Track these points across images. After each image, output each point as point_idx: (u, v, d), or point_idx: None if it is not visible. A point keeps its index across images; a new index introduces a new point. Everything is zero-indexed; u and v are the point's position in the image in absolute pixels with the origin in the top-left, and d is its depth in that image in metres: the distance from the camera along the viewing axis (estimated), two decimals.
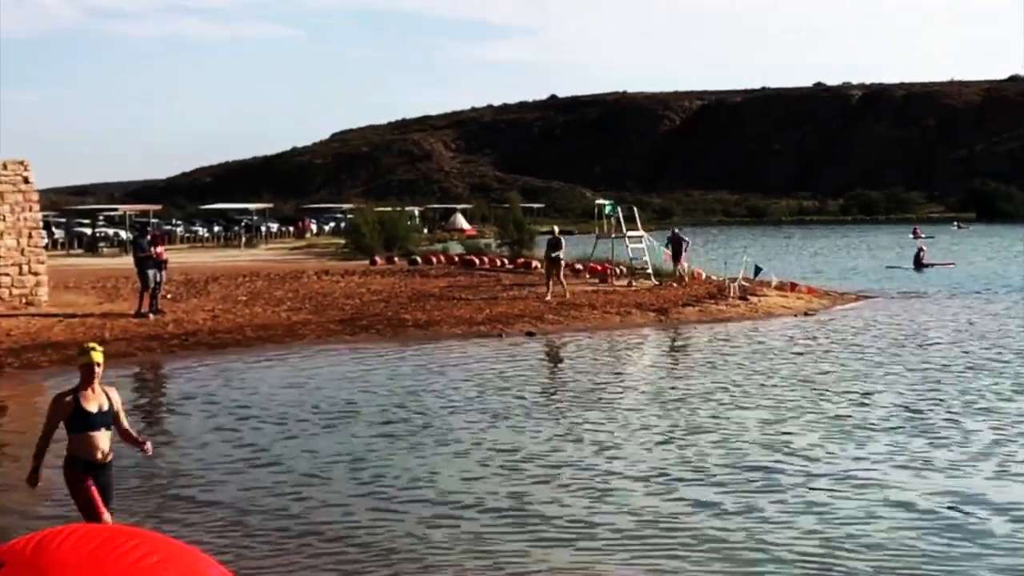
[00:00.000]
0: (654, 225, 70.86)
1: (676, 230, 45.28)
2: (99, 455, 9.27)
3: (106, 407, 9.26)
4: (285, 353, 25.49)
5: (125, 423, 9.62)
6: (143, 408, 19.80)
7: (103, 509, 9.16)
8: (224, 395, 20.25)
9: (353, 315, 30.97)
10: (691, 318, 32.17)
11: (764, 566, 10.47)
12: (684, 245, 42.35)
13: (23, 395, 21.03)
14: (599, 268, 42.18)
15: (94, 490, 9.15)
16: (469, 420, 17.65)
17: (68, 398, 9.19)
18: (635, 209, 46.84)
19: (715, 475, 13.86)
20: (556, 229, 38.50)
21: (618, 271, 41.35)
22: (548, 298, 34.04)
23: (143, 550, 4.05)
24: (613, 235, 42.89)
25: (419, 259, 50.71)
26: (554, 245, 35.53)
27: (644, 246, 41.85)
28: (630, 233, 42.13)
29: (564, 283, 35.40)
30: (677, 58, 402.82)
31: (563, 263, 36.03)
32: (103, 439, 9.30)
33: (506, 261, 48.57)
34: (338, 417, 18.10)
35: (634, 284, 39.20)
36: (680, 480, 13.64)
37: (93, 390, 9.24)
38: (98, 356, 9.32)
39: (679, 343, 27.90)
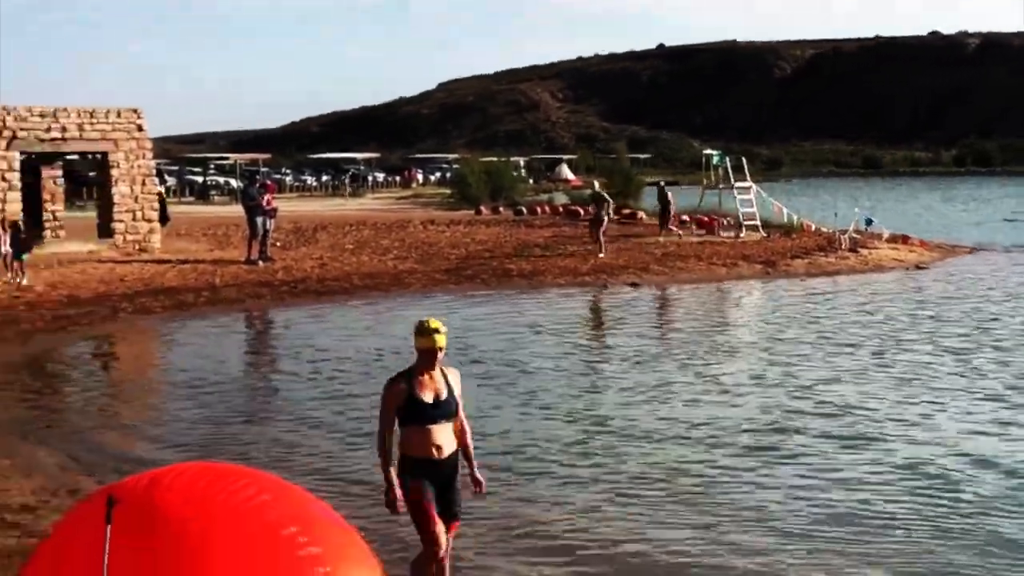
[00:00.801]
0: (762, 176, 69.83)
1: (662, 183, 42.71)
2: (436, 452, 7.57)
3: (444, 395, 7.56)
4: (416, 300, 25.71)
5: (463, 418, 7.77)
6: (258, 352, 20.15)
7: (440, 540, 7.56)
8: (358, 343, 20.47)
9: (458, 264, 31.10)
10: (799, 270, 31.71)
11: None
12: (670, 201, 38.64)
13: (136, 339, 21.48)
14: (706, 219, 41.76)
15: (432, 511, 7.51)
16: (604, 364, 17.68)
17: (401, 384, 7.49)
18: (743, 160, 46.25)
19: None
20: (597, 184, 37.31)
21: (725, 222, 40.89)
22: (601, 255, 32.45)
23: (253, 489, 4.09)
24: (721, 186, 42.41)
25: (524, 209, 50.70)
26: (598, 202, 34.13)
27: (752, 197, 41.31)
28: (738, 184, 41.61)
29: (603, 243, 33.46)
30: (789, 6, 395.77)
31: (606, 221, 34.06)
32: (441, 433, 7.57)
33: (612, 212, 48.25)
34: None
35: (741, 235, 38.75)
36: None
37: (431, 375, 7.53)
38: (441, 340, 7.45)
39: (787, 297, 27.50)
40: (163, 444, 13.34)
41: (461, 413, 7.70)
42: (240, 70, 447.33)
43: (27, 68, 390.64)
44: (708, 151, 48.20)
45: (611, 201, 35.19)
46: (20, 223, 26.15)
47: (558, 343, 20.21)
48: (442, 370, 7.55)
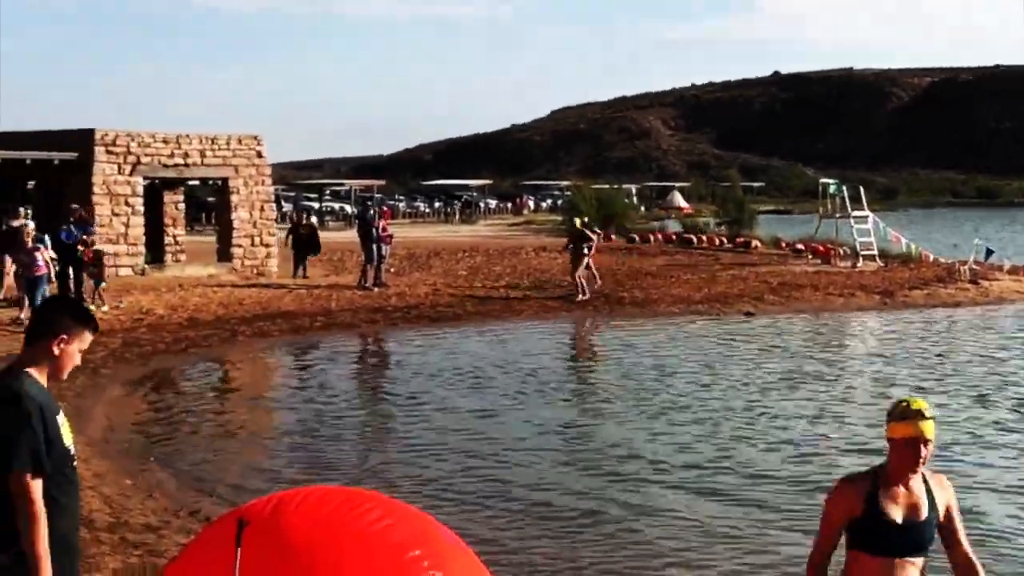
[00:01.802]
0: (879, 205, 68.80)
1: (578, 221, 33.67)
2: None
3: (923, 514, 5.09)
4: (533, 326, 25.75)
5: (964, 542, 5.23)
6: (372, 378, 20.35)
7: None
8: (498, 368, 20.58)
9: (571, 292, 31.04)
10: (918, 301, 31.09)
11: None
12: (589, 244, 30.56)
13: (254, 362, 21.80)
14: (822, 249, 41.23)
15: None
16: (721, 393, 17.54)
17: (858, 489, 5.11)
18: (860, 188, 45.61)
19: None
20: (578, 221, 32.14)
21: (841, 252, 40.33)
22: (583, 297, 29.38)
23: (377, 512, 4.11)
24: (837, 215, 41.86)
25: (636, 237, 50.53)
26: (579, 239, 30.05)
27: (870, 227, 40.69)
28: (855, 213, 41.03)
29: (580, 281, 29.79)
30: (905, 34, 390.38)
31: (588, 259, 30.00)
32: (907, 573, 5.09)
33: (725, 240, 47.94)
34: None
35: (859, 265, 38.16)
36: None
37: (907, 483, 5.11)
38: (929, 429, 5.04)
39: (905, 329, 26.97)
40: (282, 466, 13.52)
41: (964, 542, 5.22)
42: (355, 97, 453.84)
43: (150, 94, 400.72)
44: (825, 180, 47.58)
45: (595, 238, 30.94)
46: (102, 252, 26.36)
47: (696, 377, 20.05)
48: (924, 477, 5.15)
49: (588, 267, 30.29)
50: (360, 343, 24.32)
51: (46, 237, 24.52)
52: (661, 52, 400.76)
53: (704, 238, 48.74)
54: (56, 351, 4.91)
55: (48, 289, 22.69)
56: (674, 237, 50.38)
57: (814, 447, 14.30)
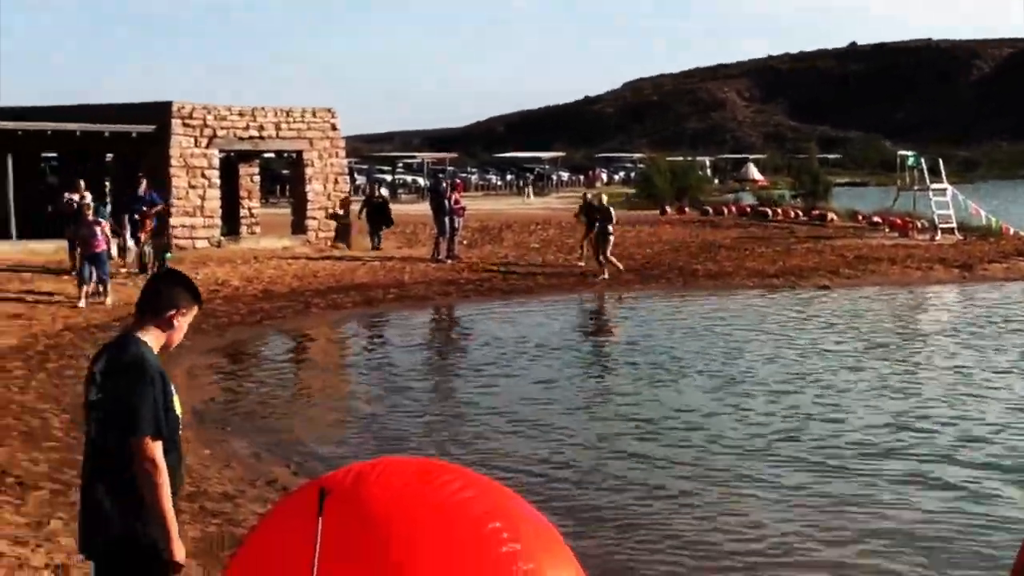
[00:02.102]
0: (958, 178, 67.66)
1: (588, 195, 34.31)
2: None
3: None
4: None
5: None
6: (443, 345, 20.45)
7: None
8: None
9: (644, 264, 30.98)
10: (998, 275, 30.56)
11: None
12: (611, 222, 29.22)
13: (328, 334, 21.98)
14: (899, 222, 40.66)
15: None
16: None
17: None
18: (939, 161, 44.90)
19: None
20: (588, 195, 31.16)
21: (919, 225, 39.75)
22: (604, 277, 28.24)
23: (457, 484, 4.12)
24: (916, 188, 41.26)
25: (710, 209, 50.17)
26: (603, 216, 28.43)
27: (948, 199, 40.07)
28: (933, 186, 40.42)
29: (614, 261, 28.68)
30: (985, 4, 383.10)
31: (612, 240, 28.71)
32: None
33: (800, 213, 47.44)
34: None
35: (937, 238, 37.61)
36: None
37: None
38: None
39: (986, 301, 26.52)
40: (355, 436, 13.64)
41: None
42: (427, 68, 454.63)
43: (225, 67, 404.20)
44: (903, 152, 46.89)
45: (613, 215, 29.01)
46: (166, 221, 26.82)
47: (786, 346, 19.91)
48: None
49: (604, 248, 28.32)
50: (433, 315, 24.43)
51: (107, 210, 24.84)
52: (736, 22, 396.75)
53: (779, 211, 48.25)
54: (175, 323, 5.07)
55: (109, 265, 22.58)
56: (748, 210, 49.93)
57: (904, 424, 14.10)
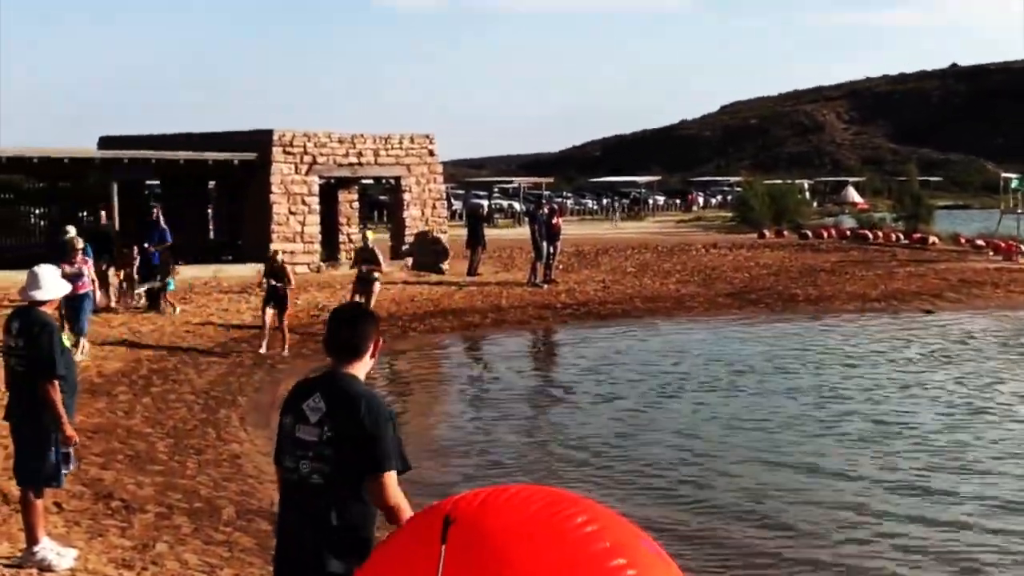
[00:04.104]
0: None
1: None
2: None
3: None
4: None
5: None
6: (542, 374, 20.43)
7: None
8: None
9: (742, 288, 30.71)
10: None
11: None
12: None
13: (429, 358, 22.07)
14: (1003, 245, 39.85)
15: None
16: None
17: None
18: None
19: None
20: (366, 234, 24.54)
21: None
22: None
23: (582, 517, 4.08)
24: (1020, 211, 40.44)
25: (809, 233, 49.58)
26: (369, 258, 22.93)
27: None
28: None
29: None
30: None
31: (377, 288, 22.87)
32: None
33: (901, 236, 46.69)
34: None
35: None
36: None
37: None
38: None
39: None
40: (458, 460, 13.69)
41: None
42: (521, 95, 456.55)
43: (325, 95, 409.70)
44: (1007, 175, 46.01)
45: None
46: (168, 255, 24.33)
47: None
48: None
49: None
50: (530, 339, 24.44)
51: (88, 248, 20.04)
52: (834, 44, 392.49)
53: (880, 234, 47.54)
54: (374, 360, 5.19)
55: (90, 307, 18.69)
56: (848, 233, 49.26)
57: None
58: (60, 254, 18.11)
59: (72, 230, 20.87)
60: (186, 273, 26.63)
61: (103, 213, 25.41)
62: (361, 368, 5.09)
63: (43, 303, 8.42)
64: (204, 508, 10.85)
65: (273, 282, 20.20)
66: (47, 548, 8.41)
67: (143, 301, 23.93)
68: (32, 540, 8.37)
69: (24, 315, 8.39)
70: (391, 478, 4.82)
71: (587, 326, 25.32)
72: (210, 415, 15.59)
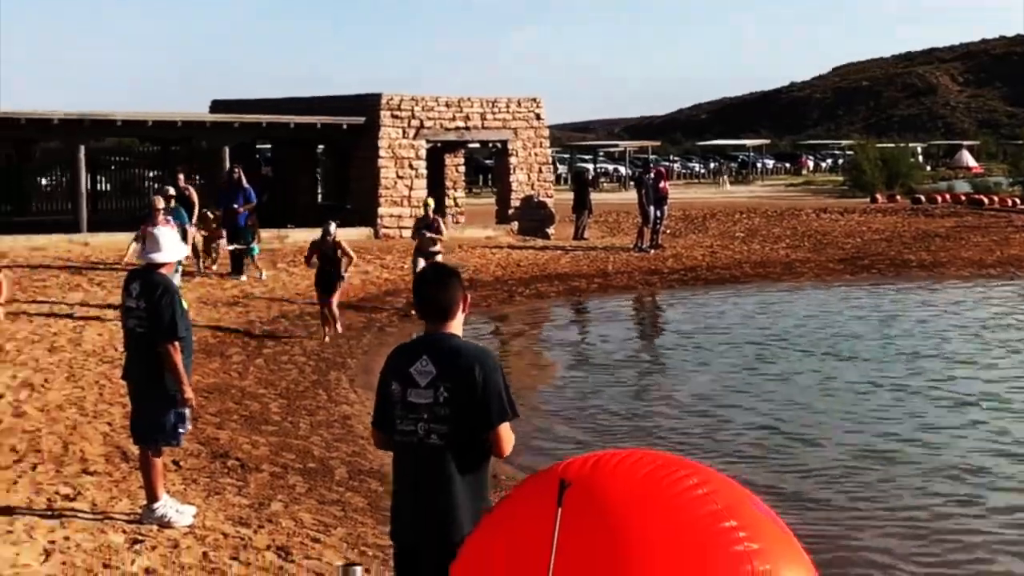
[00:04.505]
0: None
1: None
2: None
3: None
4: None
5: None
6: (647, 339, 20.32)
7: None
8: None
9: (854, 254, 30.22)
10: None
11: None
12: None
13: (535, 322, 22.09)
14: None
15: None
16: None
17: None
18: None
19: None
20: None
21: None
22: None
23: (693, 480, 4.06)
24: None
25: (922, 197, 48.52)
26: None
27: None
28: None
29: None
30: None
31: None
32: None
33: (1018, 200, 45.50)
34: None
35: None
36: None
37: None
38: None
39: None
40: (563, 424, 13.69)
41: None
42: (627, 56, 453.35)
43: (430, 58, 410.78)
44: None
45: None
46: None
47: None
48: None
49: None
50: (637, 304, 24.34)
51: (183, 211, 20.92)
52: (948, 5, 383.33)
53: (996, 198, 46.39)
54: (464, 314, 5.20)
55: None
56: (963, 198, 48.14)
57: None
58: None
59: (171, 191, 21.31)
60: (296, 236, 26.85)
61: (180, 176, 24.57)
62: (457, 326, 5.14)
63: (162, 265, 8.54)
64: (317, 468, 10.98)
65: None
66: (167, 505, 8.58)
67: (215, 265, 23.29)
68: (152, 497, 8.54)
69: (144, 276, 8.51)
70: (508, 428, 4.98)
71: (695, 291, 25.13)
72: (320, 377, 15.77)
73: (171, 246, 8.63)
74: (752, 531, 3.86)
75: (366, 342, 18.62)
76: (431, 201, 22.62)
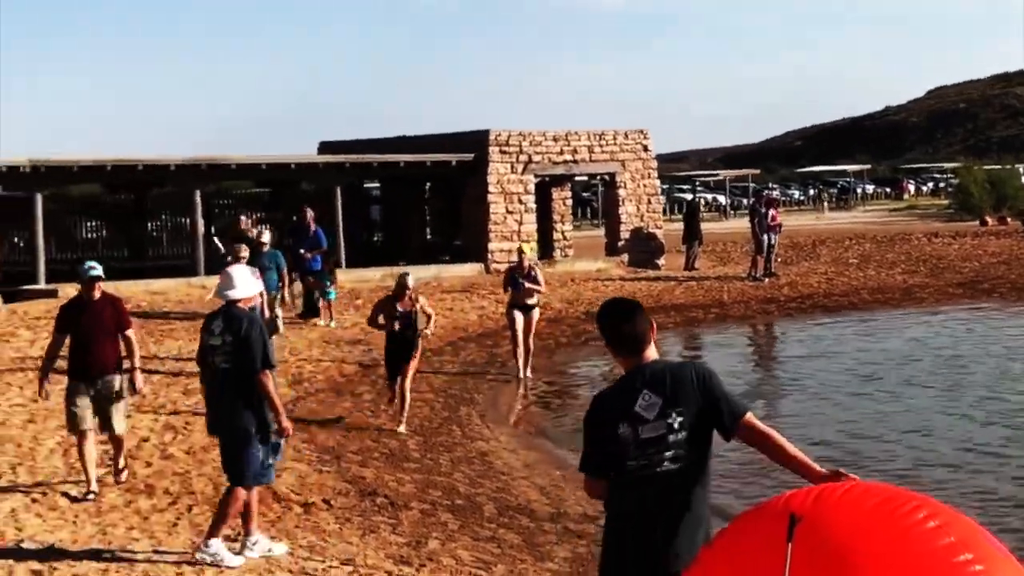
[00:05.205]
0: None
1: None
2: None
3: None
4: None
5: None
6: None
7: None
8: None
9: (973, 278, 29.68)
10: None
11: None
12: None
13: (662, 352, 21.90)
14: None
15: None
16: None
17: None
18: None
19: None
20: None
21: None
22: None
23: (924, 512, 3.99)
24: None
25: None
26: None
27: None
28: None
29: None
30: None
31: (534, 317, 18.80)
32: None
33: None
34: None
35: None
36: None
37: None
38: None
39: None
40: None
41: None
42: (718, 87, 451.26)
43: (534, 93, 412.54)
44: None
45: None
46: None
47: None
48: None
49: None
50: (758, 334, 24.12)
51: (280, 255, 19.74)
52: None
53: None
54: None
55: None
56: None
57: None
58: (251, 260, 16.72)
59: (264, 235, 20.28)
60: (416, 273, 26.93)
61: (242, 218, 23.80)
62: (653, 352, 5.13)
63: (238, 301, 8.60)
64: (465, 505, 10.95)
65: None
66: (259, 542, 8.72)
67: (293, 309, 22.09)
68: (211, 533, 8.58)
69: (225, 314, 8.61)
70: (753, 413, 4.98)
71: (814, 320, 24.80)
72: (451, 413, 15.79)
73: (244, 282, 8.75)
74: (988, 563, 3.82)
75: (491, 377, 18.63)
76: (527, 247, 20.57)
